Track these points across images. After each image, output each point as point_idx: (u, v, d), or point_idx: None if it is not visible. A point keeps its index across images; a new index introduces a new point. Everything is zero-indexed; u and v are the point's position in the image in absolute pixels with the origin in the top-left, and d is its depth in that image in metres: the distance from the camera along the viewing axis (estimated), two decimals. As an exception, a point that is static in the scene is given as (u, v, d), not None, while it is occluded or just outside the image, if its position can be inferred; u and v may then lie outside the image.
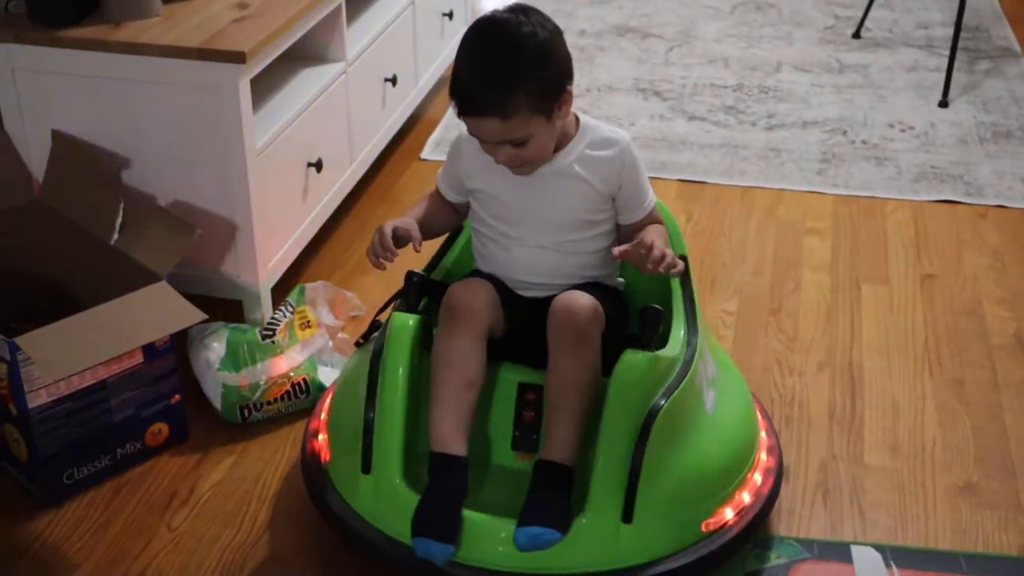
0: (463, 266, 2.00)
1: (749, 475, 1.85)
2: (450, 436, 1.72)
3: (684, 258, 1.92)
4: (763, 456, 1.90)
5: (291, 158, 2.37)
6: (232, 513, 1.95)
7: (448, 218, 1.98)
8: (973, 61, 3.72)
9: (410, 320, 1.79)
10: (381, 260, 1.80)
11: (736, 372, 2.03)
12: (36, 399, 1.88)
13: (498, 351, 1.82)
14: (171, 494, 1.99)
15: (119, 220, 2.13)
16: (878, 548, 1.88)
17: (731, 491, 1.81)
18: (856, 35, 3.91)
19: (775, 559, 1.85)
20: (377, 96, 2.82)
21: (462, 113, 1.74)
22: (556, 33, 1.75)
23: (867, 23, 3.95)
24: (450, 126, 3.24)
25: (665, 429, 1.71)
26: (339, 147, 2.62)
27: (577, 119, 1.84)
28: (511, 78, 1.69)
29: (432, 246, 2.00)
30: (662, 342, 1.80)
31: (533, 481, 1.71)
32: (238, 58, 2.09)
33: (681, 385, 1.76)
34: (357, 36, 2.69)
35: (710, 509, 1.77)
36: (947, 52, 3.55)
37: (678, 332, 1.84)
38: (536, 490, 1.70)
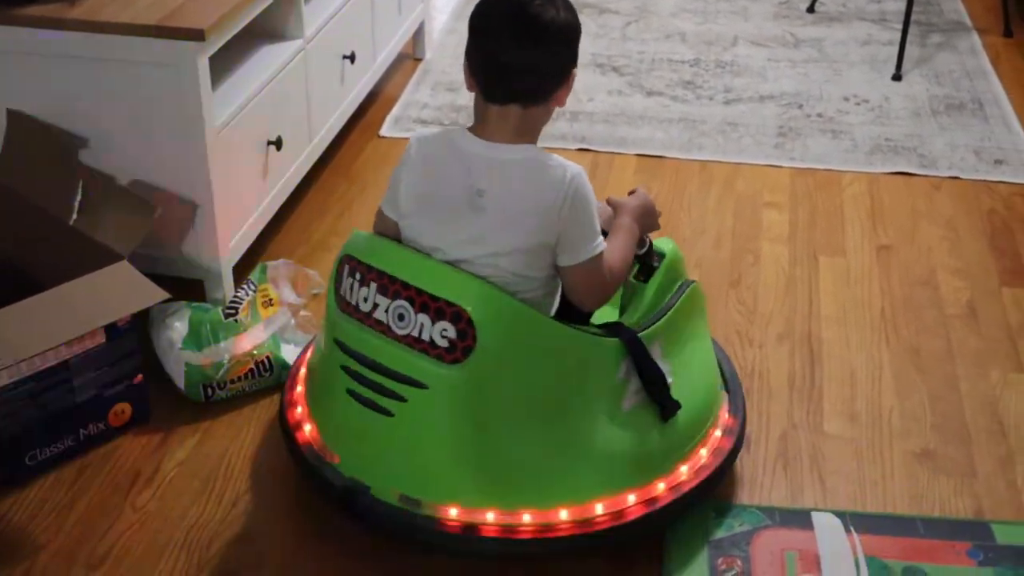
0: None
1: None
2: None
3: None
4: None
5: (251, 136, 2.36)
6: (197, 492, 1.95)
7: None
8: (925, 35, 3.76)
9: None
10: None
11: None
12: (-2, 380, 1.87)
13: None
14: (135, 474, 1.98)
15: (78, 200, 2.11)
16: (838, 514, 1.91)
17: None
18: (810, 9, 3.94)
19: (738, 527, 1.87)
20: (336, 73, 2.81)
21: None
22: None
23: (821, -3, 3.99)
24: (408, 104, 3.23)
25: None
26: (298, 125, 2.61)
27: None
28: None
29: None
30: None
31: None
32: (197, 35, 2.07)
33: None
34: (315, 13, 2.67)
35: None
36: (900, 26, 3.58)
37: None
38: None
